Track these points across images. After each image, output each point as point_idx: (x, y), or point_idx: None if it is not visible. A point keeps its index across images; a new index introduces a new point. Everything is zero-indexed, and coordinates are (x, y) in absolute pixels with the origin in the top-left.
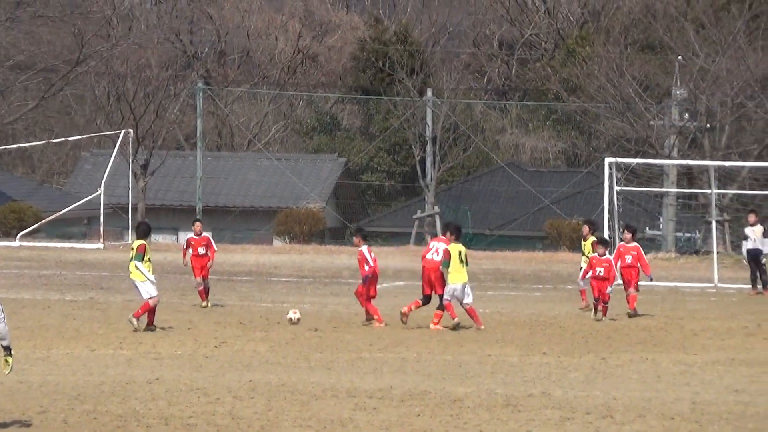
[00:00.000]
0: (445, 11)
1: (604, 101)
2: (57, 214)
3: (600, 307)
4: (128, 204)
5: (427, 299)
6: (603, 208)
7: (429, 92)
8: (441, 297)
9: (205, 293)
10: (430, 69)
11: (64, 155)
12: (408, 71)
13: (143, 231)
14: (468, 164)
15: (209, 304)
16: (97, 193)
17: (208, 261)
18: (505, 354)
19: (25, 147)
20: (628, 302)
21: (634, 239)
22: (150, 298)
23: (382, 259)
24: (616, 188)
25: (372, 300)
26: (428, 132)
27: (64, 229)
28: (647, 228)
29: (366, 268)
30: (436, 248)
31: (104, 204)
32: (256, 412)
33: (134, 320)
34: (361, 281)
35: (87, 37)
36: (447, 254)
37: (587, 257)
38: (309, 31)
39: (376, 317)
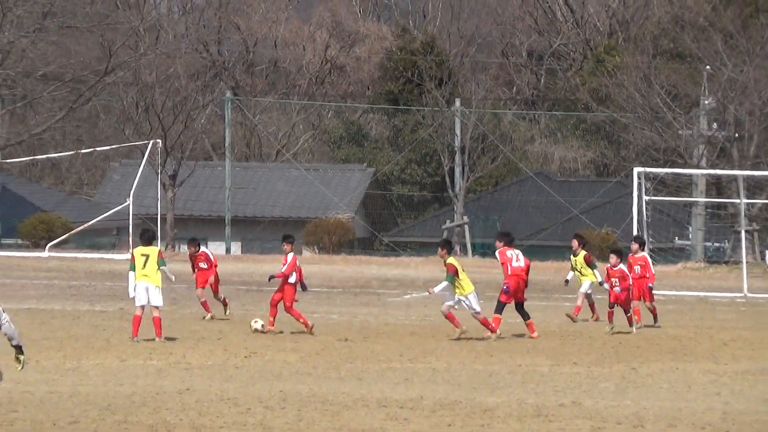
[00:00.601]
0: (474, 22)
1: (632, 111)
2: (86, 224)
3: (627, 316)
4: (157, 214)
5: (502, 306)
6: (632, 218)
7: (457, 102)
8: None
9: (223, 305)
10: (459, 79)
11: (93, 166)
12: (436, 81)
13: (150, 238)
14: (497, 174)
15: (212, 316)
16: (126, 203)
17: (210, 276)
18: (535, 364)
19: (53, 158)
20: (652, 313)
21: (641, 250)
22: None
23: (412, 269)
24: (645, 198)
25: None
26: (457, 142)
27: (94, 240)
28: (676, 238)
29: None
30: (515, 255)
31: (133, 214)
32: (287, 422)
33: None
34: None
35: (115, 47)
36: (453, 268)
37: (578, 272)
38: (337, 41)
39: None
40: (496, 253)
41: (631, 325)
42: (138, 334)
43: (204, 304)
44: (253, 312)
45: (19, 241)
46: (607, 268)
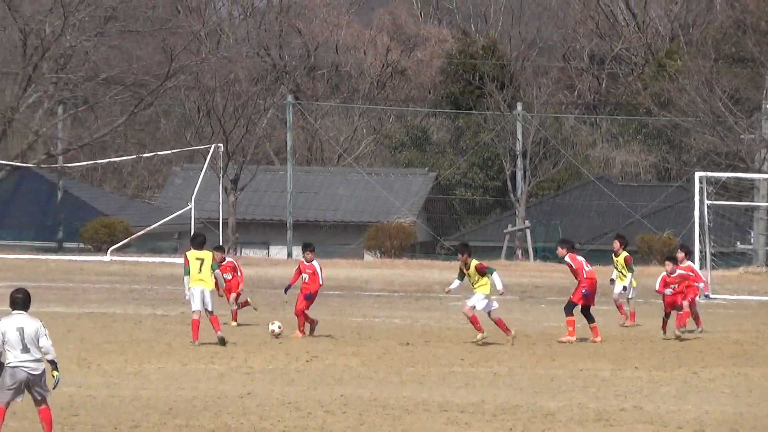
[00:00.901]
0: (535, 25)
1: (694, 115)
2: (148, 228)
3: (676, 319)
4: (219, 218)
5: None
6: (693, 223)
7: (519, 106)
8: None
9: (234, 314)
10: (521, 83)
11: (155, 170)
12: (498, 85)
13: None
14: (558, 178)
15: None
16: (188, 207)
17: (238, 285)
18: (597, 368)
19: (115, 162)
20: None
21: (687, 259)
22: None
23: None
24: (707, 202)
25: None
26: (519, 146)
27: (155, 244)
28: (738, 242)
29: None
30: (584, 260)
31: (195, 218)
32: (348, 426)
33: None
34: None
35: (176, 51)
36: (483, 266)
37: (620, 272)
38: (397, 45)
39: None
40: (567, 258)
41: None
42: (198, 337)
43: (233, 313)
44: (315, 316)
45: (81, 245)
46: (663, 276)
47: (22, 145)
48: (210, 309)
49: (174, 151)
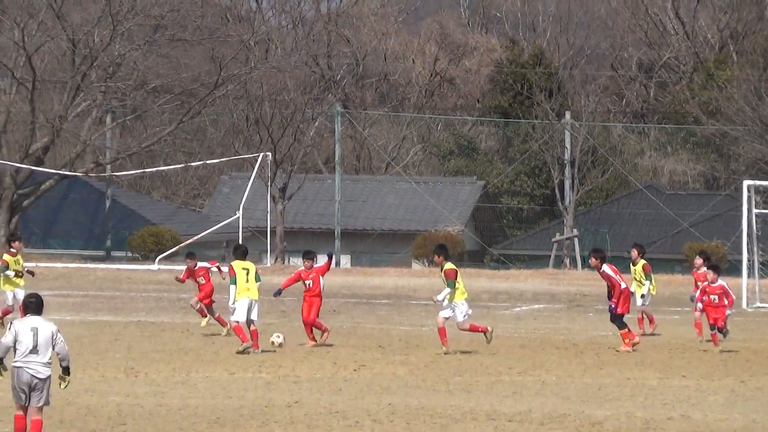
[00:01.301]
0: (583, 34)
1: (743, 124)
2: (195, 237)
3: (711, 335)
4: (266, 227)
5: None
6: (741, 231)
7: (567, 115)
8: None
9: (203, 313)
10: (569, 91)
11: (203, 179)
12: (546, 94)
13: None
14: (606, 187)
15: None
16: (236, 216)
17: (212, 290)
18: (644, 377)
19: (163, 170)
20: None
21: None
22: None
23: (521, 282)
24: (755, 211)
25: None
26: (567, 155)
27: (203, 253)
28: None
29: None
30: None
31: (243, 227)
32: None
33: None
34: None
35: (225, 60)
36: (453, 273)
37: (638, 282)
38: (446, 54)
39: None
40: (605, 267)
41: (724, 335)
42: (248, 339)
43: (200, 310)
44: (363, 324)
45: (129, 254)
46: (703, 286)
47: (70, 153)
48: (255, 319)
49: (222, 159)
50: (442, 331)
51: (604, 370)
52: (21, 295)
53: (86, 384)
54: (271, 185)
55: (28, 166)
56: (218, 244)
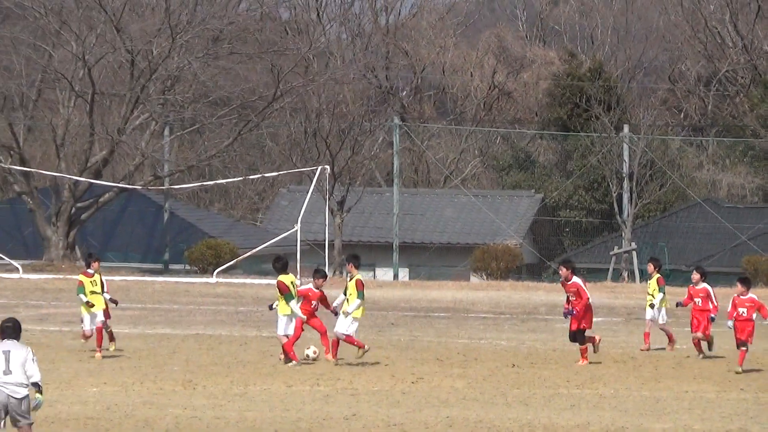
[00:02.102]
0: (641, 47)
1: None
2: (253, 250)
3: (740, 355)
4: (325, 240)
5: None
6: None
7: (626, 128)
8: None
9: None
10: (627, 105)
11: (261, 192)
12: (605, 107)
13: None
14: (665, 200)
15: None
16: (294, 229)
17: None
18: (702, 390)
19: (221, 183)
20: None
21: (703, 281)
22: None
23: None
24: None
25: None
26: (625, 168)
27: (261, 266)
28: None
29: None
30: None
31: (301, 240)
32: None
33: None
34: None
35: (284, 73)
36: (362, 284)
37: (652, 296)
38: (504, 67)
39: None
40: (576, 278)
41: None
42: (298, 358)
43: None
44: (421, 338)
45: (187, 267)
46: (733, 298)
47: (129, 166)
48: (290, 333)
49: (280, 172)
50: (349, 340)
51: (661, 383)
52: (100, 317)
53: (144, 396)
54: (329, 198)
55: (87, 179)
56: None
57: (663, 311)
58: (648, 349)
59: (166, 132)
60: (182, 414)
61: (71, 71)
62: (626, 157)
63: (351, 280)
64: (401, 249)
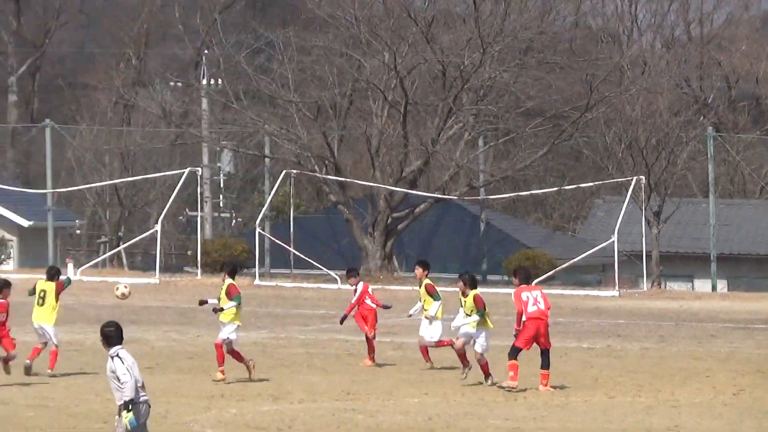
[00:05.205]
0: None
1: None
2: (571, 261)
3: None
4: (642, 251)
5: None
6: None
7: None
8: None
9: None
10: None
11: (577, 202)
12: None
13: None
14: None
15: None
16: (611, 240)
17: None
18: None
19: (536, 194)
20: None
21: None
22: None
23: None
24: None
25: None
26: None
27: (579, 277)
28: None
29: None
30: (533, 296)
31: (618, 251)
32: None
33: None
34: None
35: (596, 82)
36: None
37: None
38: None
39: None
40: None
41: None
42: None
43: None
44: (741, 349)
45: (505, 278)
46: None
47: (444, 177)
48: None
49: (595, 183)
50: (423, 350)
51: None
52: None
53: (465, 407)
54: (645, 209)
55: (402, 189)
56: (594, 268)
57: None
58: None
59: (480, 142)
60: (503, 425)
61: (383, 81)
62: None
63: (420, 286)
64: (718, 260)
